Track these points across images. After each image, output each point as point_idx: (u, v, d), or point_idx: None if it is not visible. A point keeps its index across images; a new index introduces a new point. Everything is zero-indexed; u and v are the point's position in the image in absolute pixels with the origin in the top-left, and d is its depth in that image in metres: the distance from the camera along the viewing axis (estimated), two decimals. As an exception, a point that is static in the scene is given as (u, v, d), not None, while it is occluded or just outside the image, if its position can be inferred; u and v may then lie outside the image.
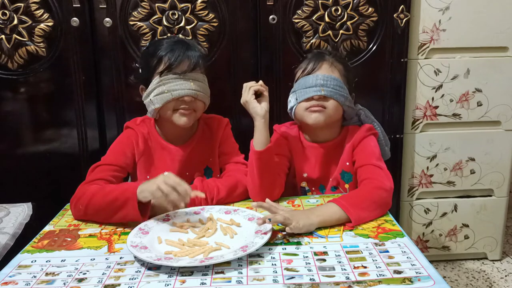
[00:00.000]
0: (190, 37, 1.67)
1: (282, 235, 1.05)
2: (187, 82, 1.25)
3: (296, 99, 1.31)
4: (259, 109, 1.24)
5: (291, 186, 1.39)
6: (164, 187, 1.06)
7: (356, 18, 1.71)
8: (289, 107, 1.36)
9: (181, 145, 1.36)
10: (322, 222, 1.08)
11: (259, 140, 1.24)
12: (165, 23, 1.66)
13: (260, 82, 1.27)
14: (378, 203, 1.15)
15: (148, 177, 1.32)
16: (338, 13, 1.70)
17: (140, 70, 1.35)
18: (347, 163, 1.33)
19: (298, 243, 1.02)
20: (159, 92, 1.25)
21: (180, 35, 1.66)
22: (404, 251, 0.97)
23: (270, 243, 1.01)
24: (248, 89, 1.25)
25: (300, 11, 1.70)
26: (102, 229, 1.13)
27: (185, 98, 1.26)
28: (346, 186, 1.35)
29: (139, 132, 1.34)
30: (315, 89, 1.27)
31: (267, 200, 1.11)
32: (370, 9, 1.71)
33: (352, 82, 1.37)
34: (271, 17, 1.68)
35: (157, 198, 1.08)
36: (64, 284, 0.88)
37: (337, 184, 1.36)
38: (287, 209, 1.10)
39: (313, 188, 1.39)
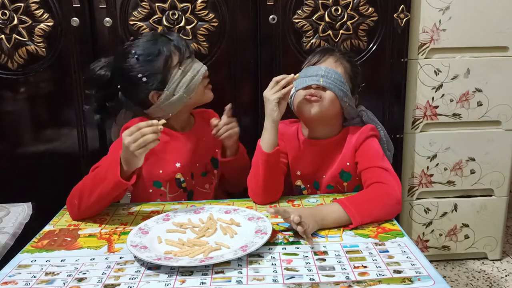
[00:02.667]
0: (190, 37, 1.67)
1: (282, 235, 1.05)
2: (197, 62, 1.32)
3: (295, 88, 1.29)
4: (276, 114, 1.22)
5: (286, 185, 1.38)
6: (130, 139, 1.07)
7: (356, 18, 1.71)
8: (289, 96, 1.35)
9: (187, 132, 1.37)
10: (325, 225, 1.08)
11: (267, 141, 1.23)
12: (165, 23, 1.66)
13: (287, 78, 1.22)
14: (388, 212, 1.13)
15: (160, 171, 1.31)
16: (338, 13, 1.70)
17: (144, 79, 1.26)
18: (348, 163, 1.32)
19: (298, 243, 1.02)
20: (188, 80, 1.28)
21: (181, 35, 1.66)
22: (404, 251, 0.97)
23: (270, 243, 1.01)
24: (277, 87, 1.21)
25: (300, 11, 1.70)
26: (102, 229, 1.13)
27: (206, 73, 1.33)
28: (345, 184, 1.34)
29: None
30: (315, 78, 1.26)
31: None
32: (370, 9, 1.71)
33: (357, 84, 1.35)
34: (271, 17, 1.68)
35: (134, 153, 1.08)
36: (64, 284, 0.88)
37: (335, 184, 1.35)
38: (295, 209, 1.09)
39: (308, 185, 1.38)
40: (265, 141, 1.23)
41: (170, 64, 1.26)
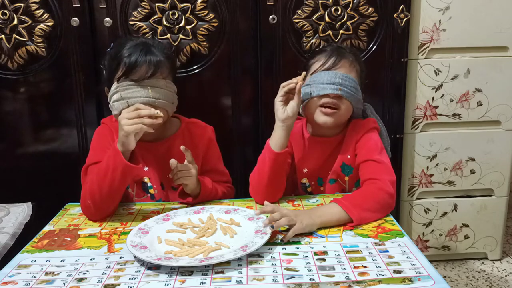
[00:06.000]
0: (190, 37, 1.67)
1: (282, 235, 1.05)
2: (144, 89, 1.19)
3: (310, 94, 1.27)
4: (280, 113, 1.22)
5: (291, 183, 1.39)
6: (126, 115, 1.10)
7: (356, 18, 1.71)
8: None
9: (156, 142, 1.33)
10: (323, 222, 1.08)
11: (275, 141, 1.23)
12: (165, 23, 1.66)
13: (299, 78, 1.21)
14: (380, 204, 1.15)
15: None
16: (338, 13, 1.70)
17: (104, 72, 1.29)
18: (348, 156, 1.32)
19: (298, 243, 1.02)
20: (116, 99, 1.21)
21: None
22: (404, 251, 0.97)
23: (270, 243, 1.01)
24: (281, 89, 1.22)
25: (300, 11, 1.70)
26: (102, 229, 1.13)
27: (138, 106, 1.15)
28: (346, 178, 1.34)
29: (113, 127, 1.32)
30: (333, 87, 1.25)
31: (266, 202, 1.12)
32: (370, 9, 1.71)
33: (364, 81, 1.37)
34: (271, 17, 1.68)
35: (132, 134, 1.10)
36: (64, 284, 0.88)
37: (337, 177, 1.35)
38: (289, 210, 1.10)
39: (312, 182, 1.39)
40: (274, 141, 1.24)
41: (115, 73, 1.23)
